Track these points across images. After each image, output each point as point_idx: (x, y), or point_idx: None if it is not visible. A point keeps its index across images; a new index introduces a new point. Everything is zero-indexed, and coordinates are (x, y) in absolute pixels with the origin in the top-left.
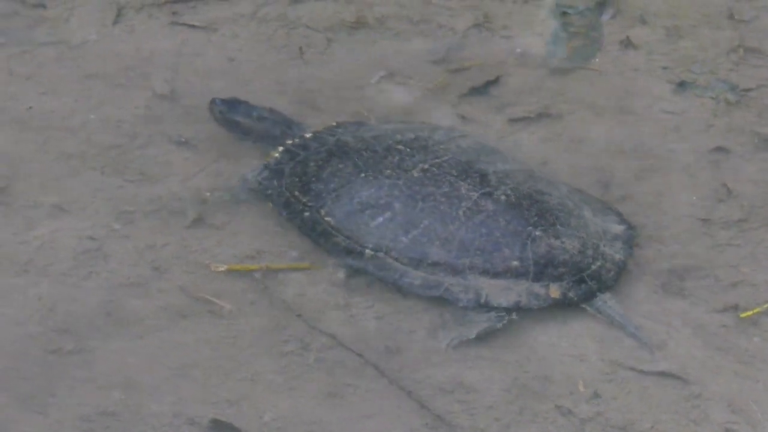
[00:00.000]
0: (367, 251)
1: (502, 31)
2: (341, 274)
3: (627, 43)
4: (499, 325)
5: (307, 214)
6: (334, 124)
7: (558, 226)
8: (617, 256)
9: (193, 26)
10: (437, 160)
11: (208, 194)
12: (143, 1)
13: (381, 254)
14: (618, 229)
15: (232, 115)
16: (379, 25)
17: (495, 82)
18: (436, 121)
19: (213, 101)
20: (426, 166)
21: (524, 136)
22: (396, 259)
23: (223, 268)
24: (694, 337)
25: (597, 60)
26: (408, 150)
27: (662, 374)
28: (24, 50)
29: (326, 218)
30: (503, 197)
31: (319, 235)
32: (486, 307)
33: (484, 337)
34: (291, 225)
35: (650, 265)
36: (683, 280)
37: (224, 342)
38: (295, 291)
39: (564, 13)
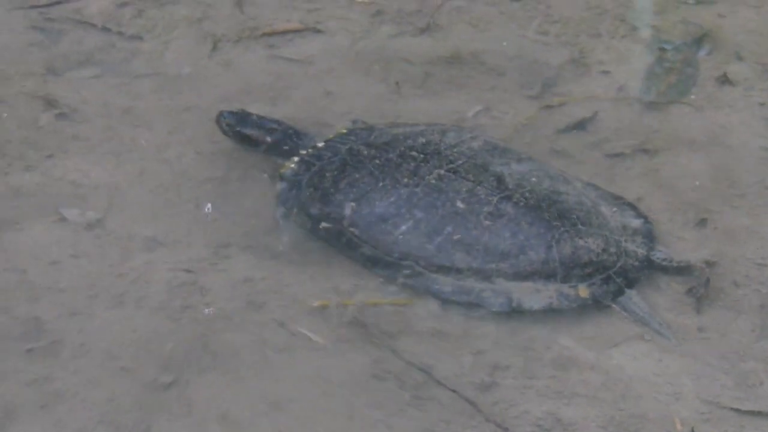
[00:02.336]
0: (395, 260)
1: (598, 66)
2: (437, 309)
3: (723, 79)
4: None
5: (330, 225)
6: (344, 131)
7: (580, 226)
8: (640, 252)
9: (289, 59)
10: (452, 165)
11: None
12: (240, 33)
13: (408, 262)
14: (636, 223)
15: (241, 128)
16: (475, 60)
17: (591, 117)
18: (534, 157)
19: (221, 114)
20: (442, 172)
21: (620, 171)
22: (424, 267)
23: (319, 303)
24: None
25: (693, 96)
26: (422, 156)
27: (759, 413)
28: (120, 82)
29: (350, 229)
30: (522, 200)
31: (345, 246)
32: (518, 310)
33: None
34: (315, 237)
35: (747, 302)
36: None
37: (320, 377)
38: (390, 326)
39: (661, 49)
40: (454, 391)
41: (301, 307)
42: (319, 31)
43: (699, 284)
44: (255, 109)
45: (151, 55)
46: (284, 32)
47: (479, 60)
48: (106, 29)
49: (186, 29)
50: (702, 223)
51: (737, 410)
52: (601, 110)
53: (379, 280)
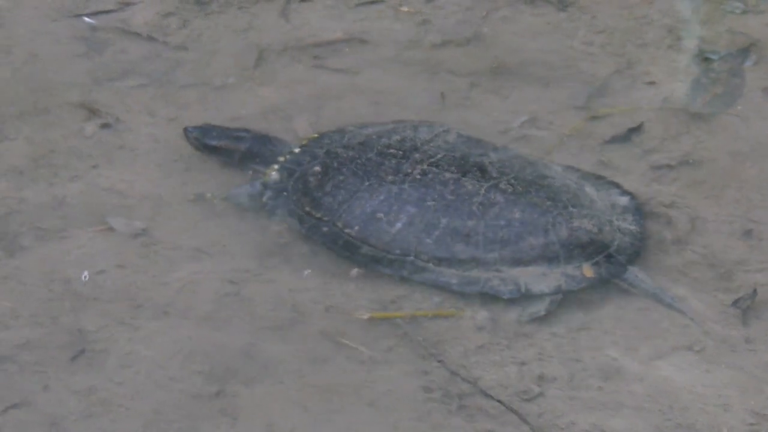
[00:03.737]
0: (397, 257)
1: (645, 77)
2: (483, 320)
3: None
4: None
5: (325, 228)
6: (316, 135)
7: (571, 208)
8: (633, 228)
9: (335, 69)
10: (433, 159)
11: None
12: (285, 44)
13: (410, 258)
14: (623, 200)
15: (209, 140)
16: (521, 71)
17: (637, 128)
18: (580, 167)
19: (186, 129)
20: (425, 167)
21: (666, 182)
22: (426, 261)
23: (366, 315)
24: None
25: (739, 106)
26: (401, 153)
27: None
28: (166, 92)
29: (346, 230)
30: (510, 187)
31: (343, 248)
32: (528, 295)
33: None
34: (311, 240)
35: None
36: None
37: (365, 387)
38: (436, 336)
39: (706, 59)
40: (500, 401)
41: (347, 317)
42: (364, 42)
43: (745, 296)
44: (300, 120)
45: (197, 65)
46: (330, 42)
47: (525, 70)
48: (151, 39)
49: (231, 39)
50: (748, 234)
51: None
52: (647, 121)
53: (423, 290)
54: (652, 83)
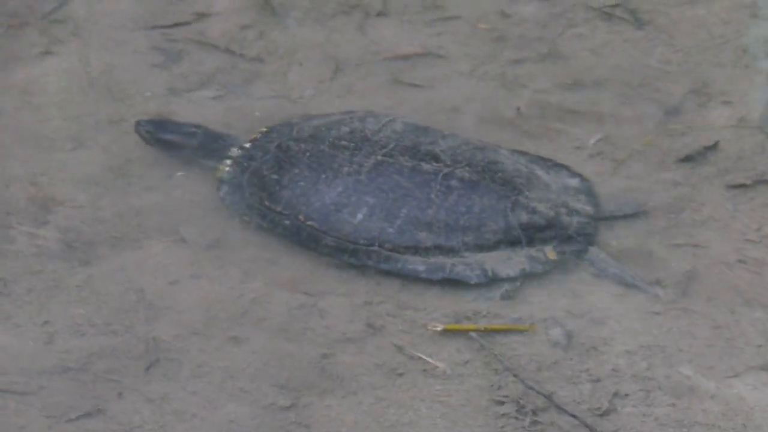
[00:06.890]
0: (361, 247)
1: (720, 96)
2: (557, 335)
3: None
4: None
5: (287, 222)
6: (265, 129)
7: (526, 192)
8: (588, 209)
9: (411, 84)
10: (386, 150)
11: None
12: (362, 57)
13: (375, 248)
14: (574, 182)
15: (161, 134)
16: (597, 87)
17: (713, 147)
18: (654, 186)
19: (138, 123)
20: (378, 158)
21: (741, 202)
22: (391, 250)
23: (440, 328)
24: None
25: None
26: (352, 144)
27: None
28: (242, 104)
29: (308, 223)
30: (465, 174)
31: (307, 240)
32: (495, 279)
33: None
34: (272, 234)
35: None
36: None
37: (439, 401)
38: (510, 351)
39: None
40: (575, 416)
41: (420, 330)
42: (440, 56)
43: None
44: None
45: (273, 78)
46: (406, 57)
47: (601, 87)
48: (228, 51)
49: (308, 52)
50: None
51: None
52: (722, 140)
53: (499, 306)
54: (727, 103)
